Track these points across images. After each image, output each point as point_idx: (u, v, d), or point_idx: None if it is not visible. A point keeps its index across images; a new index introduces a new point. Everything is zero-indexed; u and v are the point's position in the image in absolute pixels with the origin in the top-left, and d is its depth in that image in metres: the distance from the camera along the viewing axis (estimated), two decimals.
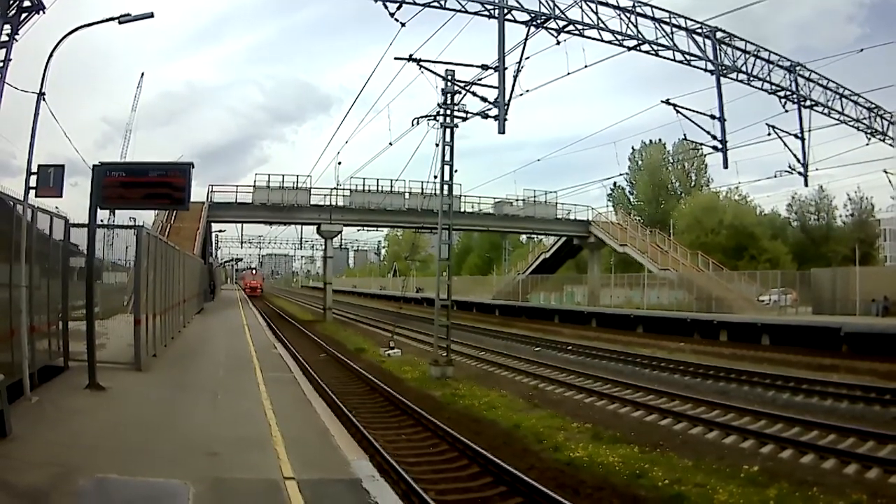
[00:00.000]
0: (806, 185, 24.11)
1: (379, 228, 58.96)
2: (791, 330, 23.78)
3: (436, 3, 17.23)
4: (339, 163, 51.55)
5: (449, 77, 18.26)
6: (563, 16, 18.23)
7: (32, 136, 9.86)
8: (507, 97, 17.23)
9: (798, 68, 22.35)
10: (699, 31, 20.56)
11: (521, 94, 17.74)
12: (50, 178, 9.42)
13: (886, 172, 25.49)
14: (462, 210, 38.55)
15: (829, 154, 42.91)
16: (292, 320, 39.40)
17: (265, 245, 78.71)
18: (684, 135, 22.24)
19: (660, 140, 60.14)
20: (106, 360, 10.80)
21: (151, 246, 12.73)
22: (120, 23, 11.07)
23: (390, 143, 22.59)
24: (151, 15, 11.36)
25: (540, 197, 42.85)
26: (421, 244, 73.97)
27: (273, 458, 6.44)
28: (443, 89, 18.31)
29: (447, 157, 18.67)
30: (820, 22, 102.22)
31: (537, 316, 39.73)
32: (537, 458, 9.43)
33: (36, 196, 9.34)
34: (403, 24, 16.61)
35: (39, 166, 9.52)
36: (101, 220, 11.12)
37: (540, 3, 17.91)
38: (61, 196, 9.62)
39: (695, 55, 20.45)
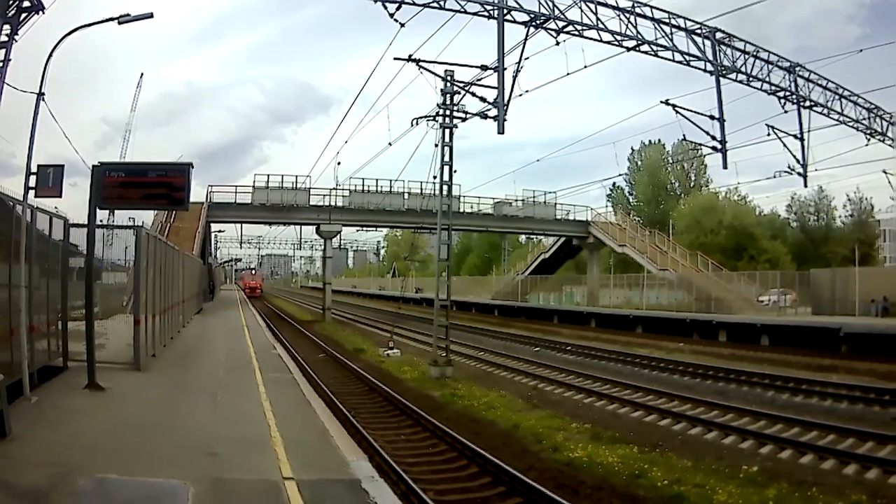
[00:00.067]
0: (805, 185, 24.12)
1: (378, 229, 59.07)
2: (790, 330, 23.78)
3: (435, 4, 17.23)
4: (339, 163, 51.53)
5: (448, 77, 18.26)
6: (562, 16, 18.23)
7: (32, 137, 9.88)
8: (506, 97, 17.24)
9: (798, 69, 22.36)
10: (699, 31, 20.57)
11: (521, 95, 17.76)
12: (49, 179, 9.44)
13: (886, 173, 25.52)
14: (461, 210, 38.54)
15: (829, 154, 43.00)
16: (291, 320, 39.39)
17: (264, 245, 78.80)
18: (684, 135, 22.25)
19: (659, 140, 60.29)
20: (105, 360, 10.81)
21: (151, 246, 12.73)
22: (119, 23, 11.09)
23: (390, 144, 22.65)
24: (151, 15, 11.39)
25: (539, 197, 42.90)
26: (420, 244, 73.99)
27: (272, 458, 6.44)
28: (442, 90, 18.32)
29: (446, 158, 18.68)
30: (820, 22, 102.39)
31: (536, 316, 39.73)
32: (536, 459, 9.44)
33: (35, 196, 9.35)
34: (403, 25, 16.61)
35: (39, 166, 9.54)
36: (101, 221, 11.12)
37: (539, 3, 17.91)
38: (61, 196, 9.64)
39: (694, 56, 20.46)
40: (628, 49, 19.58)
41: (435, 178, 18.98)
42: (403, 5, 16.64)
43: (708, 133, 20.64)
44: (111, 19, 11.04)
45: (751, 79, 21.50)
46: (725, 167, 21.00)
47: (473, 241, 73.18)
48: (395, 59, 17.34)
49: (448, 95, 18.32)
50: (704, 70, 20.54)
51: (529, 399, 14.29)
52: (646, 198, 61.23)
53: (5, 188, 8.96)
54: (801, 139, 22.35)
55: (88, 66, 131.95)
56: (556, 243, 46.80)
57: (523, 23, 17.82)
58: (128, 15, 11.15)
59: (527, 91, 17.88)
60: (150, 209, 19.19)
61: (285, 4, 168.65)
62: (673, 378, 17.53)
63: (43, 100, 10.00)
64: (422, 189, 38.32)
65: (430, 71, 17.91)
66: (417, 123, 19.49)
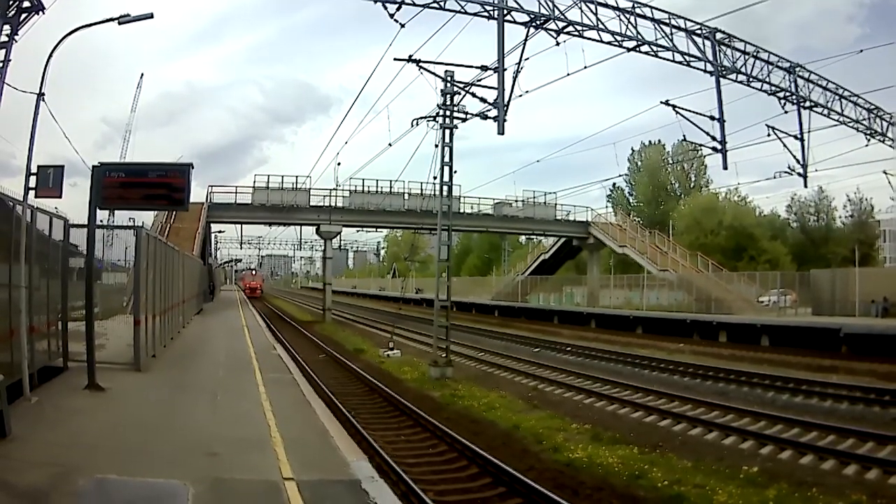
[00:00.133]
0: (805, 186, 24.07)
1: (378, 229, 58.97)
2: (790, 331, 23.78)
3: (435, 4, 17.22)
4: (339, 163, 51.29)
5: (448, 78, 18.26)
6: (562, 17, 18.22)
7: (32, 137, 9.88)
8: (506, 98, 17.23)
9: (798, 69, 22.34)
10: (699, 31, 20.56)
11: (521, 95, 17.73)
12: (49, 179, 9.44)
13: (886, 173, 25.47)
14: (461, 211, 38.53)
15: (829, 155, 42.67)
16: (292, 321, 39.39)
17: (264, 246, 78.64)
18: (684, 136, 22.20)
19: (659, 141, 60.29)
20: (105, 360, 10.82)
21: (151, 246, 12.74)
22: (120, 23, 11.10)
23: (390, 144, 22.59)
24: (151, 15, 11.39)
25: (539, 198, 42.89)
26: (420, 245, 73.98)
27: (272, 458, 6.44)
28: (442, 90, 18.31)
29: (446, 158, 18.68)
30: (820, 22, 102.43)
31: (536, 317, 39.74)
32: (536, 459, 9.43)
33: (35, 196, 9.36)
34: (403, 25, 16.60)
35: (39, 167, 9.54)
36: (101, 221, 11.12)
37: (539, 3, 17.90)
38: (61, 196, 9.64)
39: (694, 56, 20.44)
40: (628, 49, 19.57)
41: (435, 178, 18.99)
42: (403, 6, 16.63)
43: (708, 133, 20.63)
44: (111, 19, 11.05)
45: (751, 79, 21.48)
46: (725, 168, 20.99)
47: (473, 241, 73.17)
48: (395, 59, 17.34)
49: (448, 96, 18.32)
50: (704, 70, 20.53)
51: (529, 400, 14.29)
52: (646, 198, 61.24)
53: (5, 188, 9.00)
54: (801, 139, 22.34)
55: (88, 66, 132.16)
56: (557, 244, 46.81)
57: (523, 23, 17.81)
58: (128, 15, 11.16)
59: (527, 91, 17.88)
60: (150, 209, 19.21)
61: (285, 4, 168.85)
62: (673, 379, 17.53)
63: (43, 100, 10.01)
64: (422, 190, 38.37)
65: (430, 71, 17.92)
66: (417, 124, 19.50)
